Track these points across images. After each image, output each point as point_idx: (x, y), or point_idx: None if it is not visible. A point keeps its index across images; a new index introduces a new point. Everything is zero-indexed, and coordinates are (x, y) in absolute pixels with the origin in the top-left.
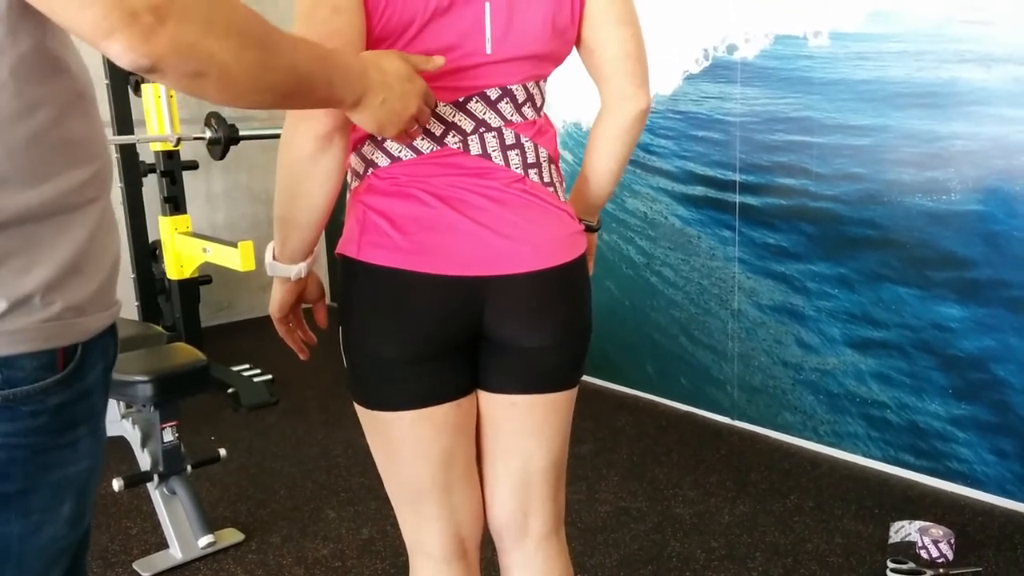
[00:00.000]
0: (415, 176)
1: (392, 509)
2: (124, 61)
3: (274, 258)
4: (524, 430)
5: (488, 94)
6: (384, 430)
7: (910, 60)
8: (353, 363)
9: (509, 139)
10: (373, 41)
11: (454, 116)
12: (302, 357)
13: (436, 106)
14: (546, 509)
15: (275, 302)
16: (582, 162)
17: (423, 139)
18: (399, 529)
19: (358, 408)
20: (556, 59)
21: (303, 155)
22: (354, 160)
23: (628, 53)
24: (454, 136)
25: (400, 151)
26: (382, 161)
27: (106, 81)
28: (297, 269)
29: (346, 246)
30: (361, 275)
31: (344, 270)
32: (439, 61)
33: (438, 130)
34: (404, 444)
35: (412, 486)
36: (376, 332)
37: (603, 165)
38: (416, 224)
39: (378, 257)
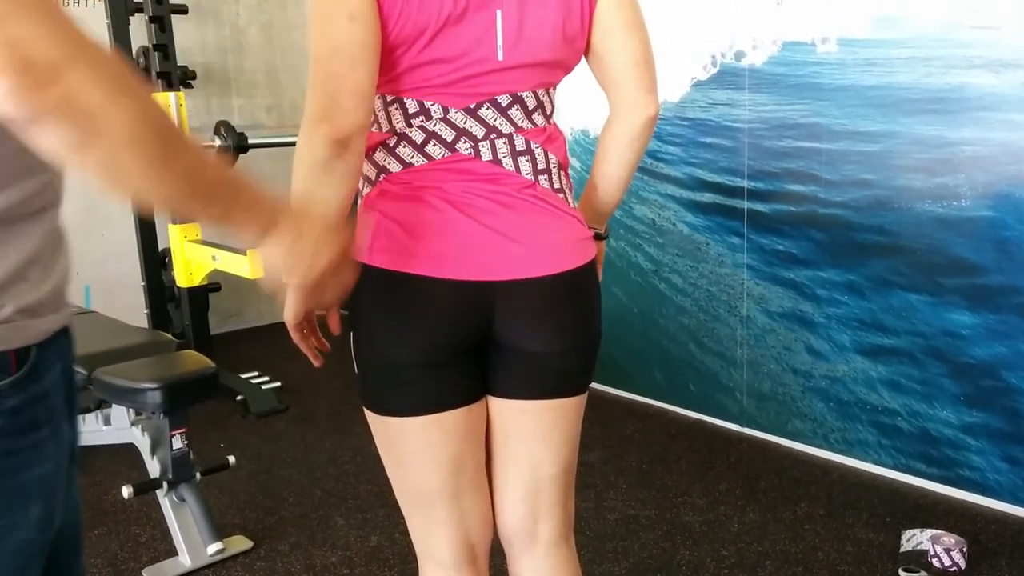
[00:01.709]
0: (427, 182)
1: (401, 516)
2: (4, 105)
3: None
4: (534, 436)
5: (499, 100)
6: (394, 435)
7: (919, 66)
8: (364, 369)
9: (519, 145)
10: (387, 48)
11: (465, 122)
12: (316, 364)
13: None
14: (555, 515)
15: (290, 309)
16: (591, 169)
17: (435, 144)
18: (408, 536)
19: (368, 414)
20: (566, 67)
21: (319, 160)
22: (366, 166)
23: (637, 60)
24: (465, 142)
25: (412, 157)
26: (394, 167)
27: None
28: None
29: (361, 253)
30: (372, 280)
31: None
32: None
33: (449, 136)
34: (414, 449)
35: (421, 492)
36: (387, 337)
37: (613, 172)
38: (429, 229)
39: (390, 262)
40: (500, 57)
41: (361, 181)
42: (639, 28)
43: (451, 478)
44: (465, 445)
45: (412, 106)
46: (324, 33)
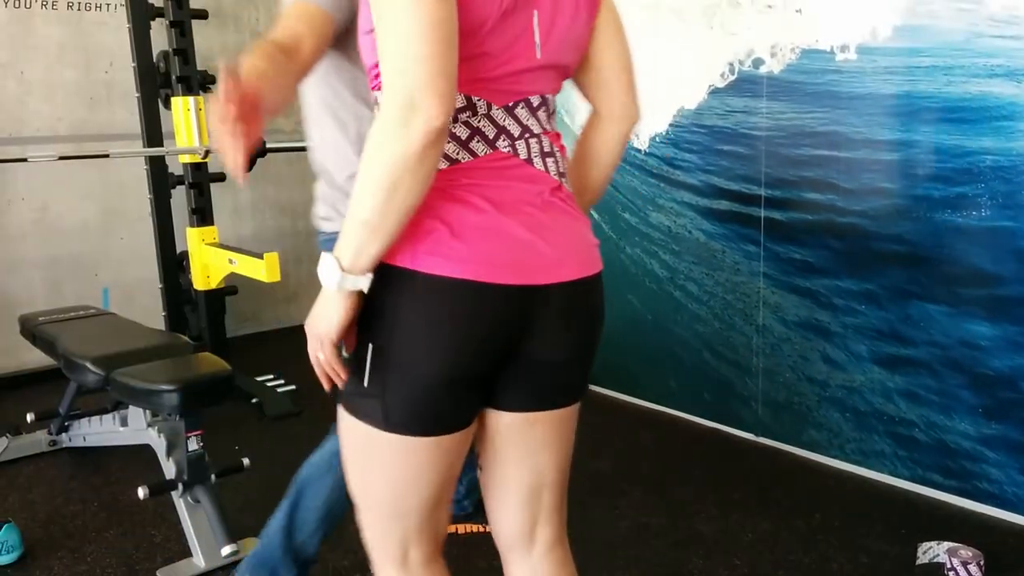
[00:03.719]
0: (472, 180)
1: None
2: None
3: (342, 269)
4: (540, 445)
5: (531, 100)
6: (390, 452)
7: (939, 75)
8: (383, 382)
9: (546, 146)
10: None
11: (504, 120)
12: (327, 387)
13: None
14: (553, 519)
15: (333, 321)
16: (575, 174)
17: (479, 141)
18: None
19: (360, 427)
20: (570, 72)
21: (412, 152)
22: None
23: (625, 66)
24: (504, 140)
25: (458, 153)
26: (441, 163)
27: (136, 94)
28: (368, 280)
29: (398, 255)
30: (416, 287)
31: (391, 281)
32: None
33: (492, 133)
34: (409, 468)
35: (406, 505)
36: (424, 347)
37: (601, 174)
38: (476, 233)
39: (438, 267)
40: (539, 55)
41: None
42: (625, 37)
43: (437, 492)
44: (457, 462)
45: (459, 100)
46: (415, 11)
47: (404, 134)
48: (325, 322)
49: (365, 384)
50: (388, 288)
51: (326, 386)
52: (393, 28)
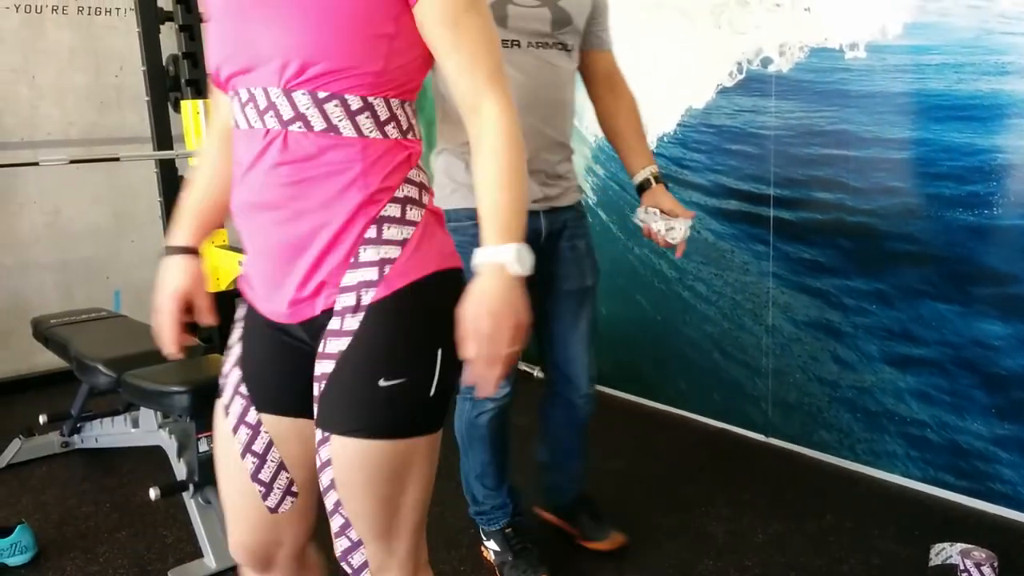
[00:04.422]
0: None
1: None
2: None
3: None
4: None
5: None
6: (435, 451)
7: (950, 72)
8: (447, 386)
9: None
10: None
11: None
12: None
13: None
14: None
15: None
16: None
17: None
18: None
19: (432, 439)
20: None
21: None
22: (408, 186)
23: None
24: None
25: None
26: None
27: (147, 98)
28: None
29: (453, 260)
30: (462, 287)
31: (453, 286)
32: None
33: None
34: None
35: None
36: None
37: None
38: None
39: (458, 267)
40: None
41: (417, 188)
42: None
43: None
44: None
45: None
46: (484, 7)
47: (516, 115)
48: (524, 310)
49: (432, 391)
50: (450, 293)
51: (496, 389)
52: (485, 35)
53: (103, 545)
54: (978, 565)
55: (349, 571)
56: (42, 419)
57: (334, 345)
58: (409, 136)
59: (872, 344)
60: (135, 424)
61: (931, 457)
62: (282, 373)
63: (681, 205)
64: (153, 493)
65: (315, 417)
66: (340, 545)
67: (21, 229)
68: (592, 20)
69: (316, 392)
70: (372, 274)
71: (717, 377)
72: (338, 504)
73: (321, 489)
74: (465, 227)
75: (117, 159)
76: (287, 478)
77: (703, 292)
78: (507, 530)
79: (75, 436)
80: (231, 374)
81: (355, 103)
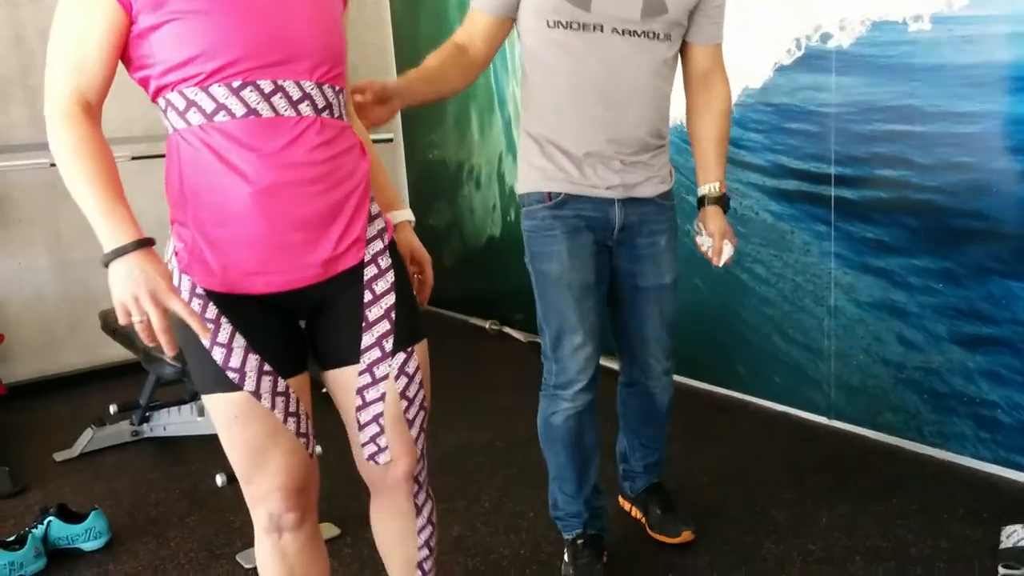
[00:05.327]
0: None
1: (482, 507)
2: None
3: None
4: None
5: None
6: None
7: (1019, 42)
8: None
9: None
10: None
11: None
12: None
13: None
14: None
15: None
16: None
17: None
18: (489, 527)
19: None
20: None
21: None
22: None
23: None
24: None
25: None
26: None
27: None
28: None
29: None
30: None
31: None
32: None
33: None
34: None
35: None
36: None
37: None
38: None
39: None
40: None
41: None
42: None
43: None
44: None
45: None
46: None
47: None
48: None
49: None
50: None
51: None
52: None
53: (173, 530)
54: None
55: (375, 465)
56: (112, 409)
57: (382, 284)
58: None
59: (940, 324)
60: (200, 413)
61: (1001, 438)
62: (287, 341)
63: (730, 229)
64: (220, 479)
65: (392, 343)
66: (368, 451)
67: (88, 225)
68: (698, 10)
69: (387, 327)
70: (380, 222)
71: (777, 360)
72: (379, 416)
73: (384, 406)
74: (535, 211)
75: None
76: (311, 425)
77: (762, 274)
78: (578, 541)
79: (144, 425)
80: (248, 361)
81: (343, 95)
